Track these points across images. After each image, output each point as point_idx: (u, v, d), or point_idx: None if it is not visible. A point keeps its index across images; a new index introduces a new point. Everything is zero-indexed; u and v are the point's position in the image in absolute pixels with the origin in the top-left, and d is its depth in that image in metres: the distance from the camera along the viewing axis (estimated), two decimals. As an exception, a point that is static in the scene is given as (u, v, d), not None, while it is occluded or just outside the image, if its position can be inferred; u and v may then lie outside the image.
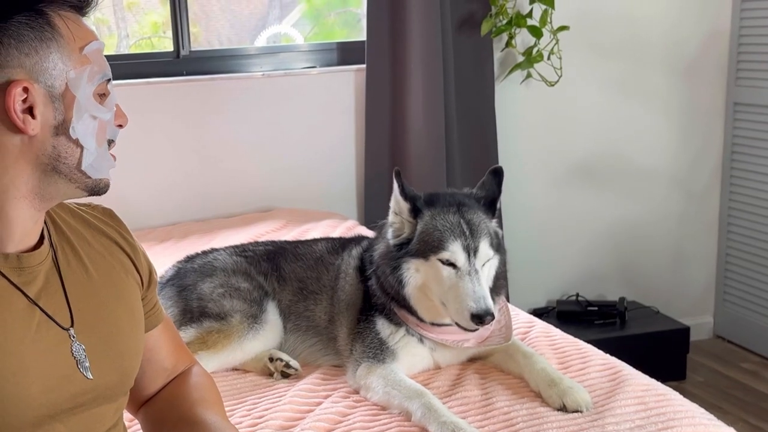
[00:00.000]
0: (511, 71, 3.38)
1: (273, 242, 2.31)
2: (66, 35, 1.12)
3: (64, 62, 1.12)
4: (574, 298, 3.64)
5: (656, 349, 3.40)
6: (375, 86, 3.26)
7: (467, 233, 1.88)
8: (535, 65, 3.33)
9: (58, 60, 1.11)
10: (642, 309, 3.63)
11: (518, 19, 3.25)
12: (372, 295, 1.99)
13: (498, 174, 2.00)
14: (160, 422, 1.35)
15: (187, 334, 1.98)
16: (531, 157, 3.58)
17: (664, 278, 3.85)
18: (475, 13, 3.30)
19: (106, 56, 1.20)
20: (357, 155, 3.38)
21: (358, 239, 2.22)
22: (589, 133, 3.63)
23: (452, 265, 1.86)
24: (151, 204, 3.16)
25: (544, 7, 3.24)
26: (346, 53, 3.42)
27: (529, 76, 3.38)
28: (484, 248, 1.88)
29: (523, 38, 3.35)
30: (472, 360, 2.02)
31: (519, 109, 3.51)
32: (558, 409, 1.75)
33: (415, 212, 1.92)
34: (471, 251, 1.86)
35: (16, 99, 1.08)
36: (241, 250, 2.23)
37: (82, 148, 1.15)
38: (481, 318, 1.80)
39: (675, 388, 1.86)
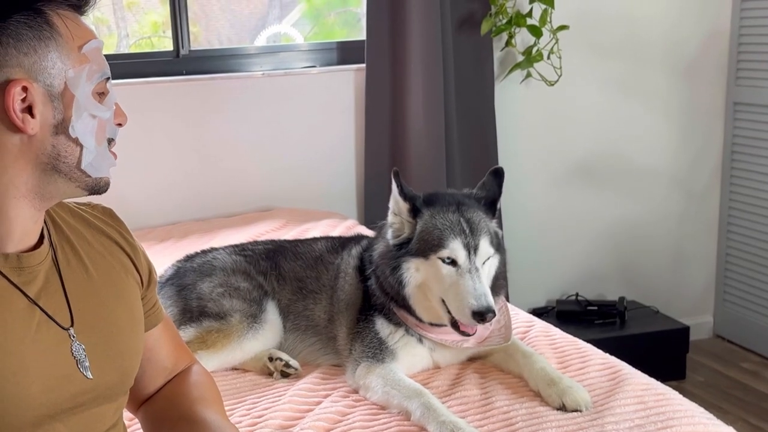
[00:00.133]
0: (510, 71, 3.38)
1: (272, 241, 2.31)
2: (65, 34, 1.12)
3: (63, 61, 1.12)
4: (573, 297, 3.64)
5: (656, 348, 3.40)
6: (375, 86, 3.26)
7: (467, 231, 1.88)
8: (535, 65, 3.33)
9: (56, 59, 1.11)
10: (642, 309, 3.63)
11: (518, 19, 3.25)
12: (371, 295, 1.99)
13: (499, 175, 2.00)
14: (159, 421, 1.35)
15: (187, 333, 1.98)
16: (531, 156, 3.58)
17: (664, 278, 3.85)
18: (474, 12, 3.30)
19: (105, 56, 1.19)
20: (357, 155, 3.38)
21: (357, 238, 2.22)
22: (589, 132, 3.63)
23: (453, 263, 1.86)
24: (151, 203, 3.16)
25: (543, 6, 3.24)
26: (345, 53, 3.42)
27: (528, 75, 3.38)
28: (485, 246, 1.89)
29: (522, 38, 3.35)
30: (472, 359, 2.02)
31: (519, 108, 3.51)
32: (557, 409, 1.75)
33: (415, 212, 1.92)
34: (471, 249, 1.86)
35: (15, 98, 1.08)
36: (240, 249, 2.23)
37: (81, 146, 1.15)
38: (482, 315, 1.80)
39: (675, 388, 1.85)
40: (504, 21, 3.25)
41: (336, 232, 2.78)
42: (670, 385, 1.86)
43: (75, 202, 1.31)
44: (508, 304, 2.11)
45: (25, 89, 1.09)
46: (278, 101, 3.26)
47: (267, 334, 2.03)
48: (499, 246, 1.94)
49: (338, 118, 3.35)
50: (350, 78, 3.35)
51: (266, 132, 3.27)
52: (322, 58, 3.41)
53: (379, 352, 1.91)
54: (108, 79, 1.18)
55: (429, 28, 3.18)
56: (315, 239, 2.30)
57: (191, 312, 2.03)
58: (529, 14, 3.27)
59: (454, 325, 1.87)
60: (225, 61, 3.33)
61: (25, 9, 1.10)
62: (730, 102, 3.72)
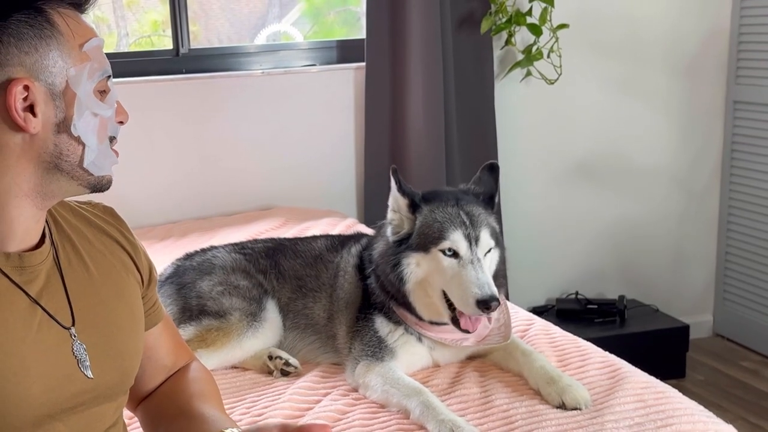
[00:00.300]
0: (510, 69, 3.38)
1: (272, 239, 2.31)
2: (65, 33, 1.12)
3: (64, 60, 1.12)
4: (573, 296, 3.64)
5: (656, 347, 3.40)
6: (375, 84, 3.26)
7: (467, 223, 1.88)
8: (535, 63, 3.33)
9: (58, 57, 1.11)
10: (642, 307, 3.63)
11: (518, 17, 3.25)
12: (371, 294, 1.99)
13: (494, 169, 2.02)
14: (158, 417, 1.35)
15: (187, 332, 1.98)
16: (531, 155, 3.58)
17: (664, 276, 3.85)
18: (474, 11, 3.30)
19: (105, 54, 1.19)
20: (357, 153, 3.38)
21: (357, 237, 2.22)
22: (589, 131, 3.63)
23: (454, 255, 1.86)
24: (151, 202, 3.16)
25: (543, 5, 3.24)
26: (345, 51, 3.42)
27: (528, 74, 3.38)
28: (485, 237, 1.89)
29: (522, 36, 3.35)
30: (471, 358, 2.01)
31: (519, 107, 3.51)
32: (557, 407, 1.75)
33: (414, 207, 1.93)
34: (472, 240, 1.87)
35: (16, 97, 1.08)
36: (240, 247, 2.23)
37: (83, 145, 1.14)
38: (486, 303, 1.80)
39: (675, 387, 1.85)
40: (504, 19, 3.25)
41: (336, 231, 2.78)
42: (669, 384, 1.86)
43: (76, 201, 1.30)
44: (508, 303, 2.11)
45: (26, 88, 1.09)
46: (278, 100, 3.26)
47: (267, 333, 2.03)
48: (498, 240, 1.94)
49: (338, 117, 3.35)
50: (350, 77, 3.35)
51: (266, 130, 3.27)
52: (321, 56, 3.41)
53: (378, 350, 1.92)
54: (109, 77, 1.18)
55: (429, 27, 3.18)
56: (315, 238, 2.30)
57: (191, 310, 2.03)
58: (529, 13, 3.27)
59: (455, 321, 1.87)
60: (225, 60, 3.33)
61: (26, 8, 1.10)
62: (730, 101, 3.72)
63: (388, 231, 1.97)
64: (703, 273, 3.91)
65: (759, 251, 3.64)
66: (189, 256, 2.24)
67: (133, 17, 3.50)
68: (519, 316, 2.24)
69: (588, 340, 2.12)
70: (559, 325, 2.22)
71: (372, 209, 3.24)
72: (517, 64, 3.35)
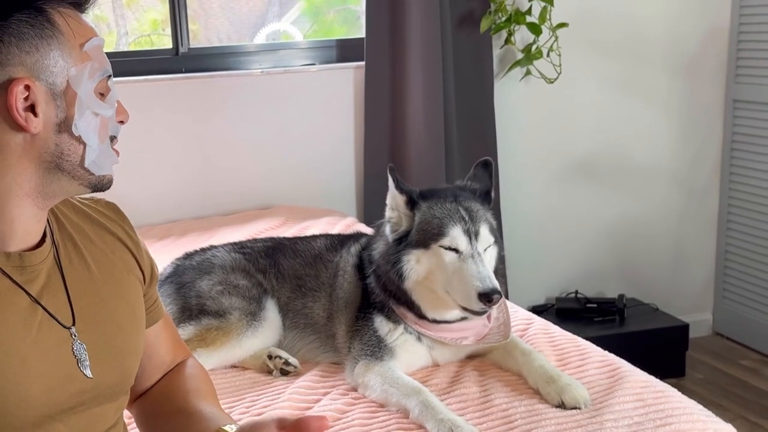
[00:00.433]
0: (510, 68, 3.38)
1: (272, 239, 2.31)
2: (66, 32, 1.12)
3: (64, 59, 1.12)
4: (573, 295, 3.64)
5: (655, 346, 3.40)
6: (374, 83, 3.26)
7: (466, 218, 1.89)
8: (535, 62, 3.33)
9: (58, 57, 1.11)
10: (641, 306, 3.63)
11: (517, 16, 3.25)
12: (370, 293, 1.99)
13: (488, 165, 2.03)
14: (154, 415, 1.35)
15: (186, 331, 1.98)
16: (530, 154, 3.58)
17: (664, 275, 3.85)
18: (474, 10, 3.30)
19: (105, 54, 1.19)
20: (356, 152, 3.38)
21: (356, 236, 2.22)
22: (589, 130, 3.63)
23: (454, 250, 1.86)
24: (151, 201, 3.16)
25: (543, 4, 3.24)
26: (345, 50, 3.42)
27: (528, 73, 3.38)
28: (485, 232, 1.89)
29: (522, 35, 3.35)
30: (471, 357, 2.02)
31: (518, 106, 3.51)
32: (556, 406, 1.75)
33: (412, 204, 1.93)
34: (472, 234, 1.87)
35: (17, 97, 1.08)
36: (239, 247, 2.23)
37: (84, 145, 1.14)
38: (488, 296, 1.80)
39: (674, 386, 1.85)
40: (503, 18, 3.25)
41: (335, 230, 2.78)
42: (669, 383, 1.86)
43: (78, 197, 1.30)
44: (507, 302, 2.11)
45: (27, 88, 1.09)
46: (277, 99, 3.26)
47: (266, 332, 2.03)
48: (496, 237, 1.95)
49: (337, 116, 3.35)
50: (349, 76, 3.34)
51: (265, 130, 3.27)
52: (321, 55, 3.41)
53: (377, 350, 1.92)
54: (110, 76, 1.18)
55: (428, 26, 3.18)
56: (314, 237, 2.30)
57: (190, 310, 2.03)
58: (529, 12, 3.27)
59: (465, 308, 1.87)
60: (224, 59, 3.32)
61: (26, 8, 1.10)
62: (730, 99, 3.72)
63: (387, 229, 1.97)
64: (703, 272, 3.91)
65: (758, 250, 3.64)
66: (188, 256, 2.24)
67: (133, 16, 3.50)
68: (518, 315, 2.25)
69: (587, 339, 2.12)
70: (558, 324, 2.23)
71: (371, 208, 3.24)
72: (517, 63, 3.35)
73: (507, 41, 3.34)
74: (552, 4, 3.23)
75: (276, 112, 3.27)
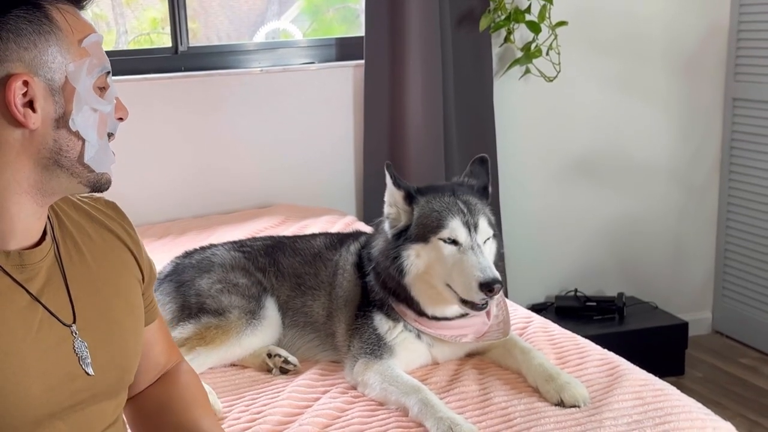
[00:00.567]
0: (509, 67, 3.38)
1: (271, 237, 2.31)
2: (64, 28, 1.12)
3: (63, 55, 1.12)
4: (572, 293, 3.64)
5: (655, 344, 3.40)
6: (374, 82, 3.26)
7: (465, 211, 1.89)
8: (534, 61, 3.33)
9: (57, 53, 1.11)
10: (641, 304, 3.63)
11: (517, 15, 3.25)
12: (370, 291, 1.99)
13: (484, 162, 2.04)
14: (154, 426, 1.37)
15: (186, 329, 1.98)
16: (530, 152, 3.58)
17: (663, 274, 3.85)
18: (473, 8, 3.30)
19: (104, 50, 1.20)
20: (356, 151, 3.38)
21: (356, 235, 2.22)
22: (588, 128, 3.63)
23: (454, 242, 1.86)
24: (150, 200, 3.16)
25: (542, 2, 3.24)
26: (344, 49, 3.42)
27: (527, 71, 3.38)
28: (484, 224, 1.90)
29: (521, 34, 3.35)
30: (470, 356, 2.02)
31: (518, 104, 3.51)
32: (555, 404, 1.75)
33: (410, 199, 1.94)
34: (471, 226, 1.87)
35: (16, 93, 1.08)
36: (239, 245, 2.23)
37: (83, 140, 1.14)
38: (489, 286, 1.80)
39: (673, 384, 1.86)
40: (503, 17, 3.25)
41: (335, 229, 2.78)
42: (668, 381, 1.86)
43: (78, 195, 1.30)
44: (507, 300, 2.11)
45: (26, 83, 1.09)
46: (277, 98, 3.26)
47: (266, 331, 2.03)
48: (495, 232, 1.95)
49: (337, 115, 3.35)
50: (349, 74, 3.34)
51: (265, 128, 3.27)
52: (320, 54, 3.41)
53: (377, 348, 1.92)
54: (108, 73, 1.19)
55: (428, 25, 3.18)
56: (313, 235, 2.30)
57: (190, 308, 2.03)
58: (528, 10, 3.27)
59: (464, 302, 1.87)
60: (223, 58, 3.32)
61: (25, 3, 1.10)
62: (729, 98, 3.72)
63: (386, 225, 1.97)
64: (702, 270, 3.92)
65: (758, 248, 3.64)
66: (188, 254, 2.24)
67: (132, 15, 3.50)
68: (518, 313, 2.25)
69: (587, 337, 2.12)
70: (558, 323, 2.23)
71: (371, 207, 3.24)
72: (516, 62, 3.35)
73: (506, 40, 3.34)
74: (551, 3, 3.23)
75: (275, 111, 3.27)
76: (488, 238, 1.91)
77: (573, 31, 3.38)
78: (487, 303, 1.88)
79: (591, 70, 3.57)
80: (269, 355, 1.99)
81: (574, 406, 1.73)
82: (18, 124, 1.10)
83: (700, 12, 3.66)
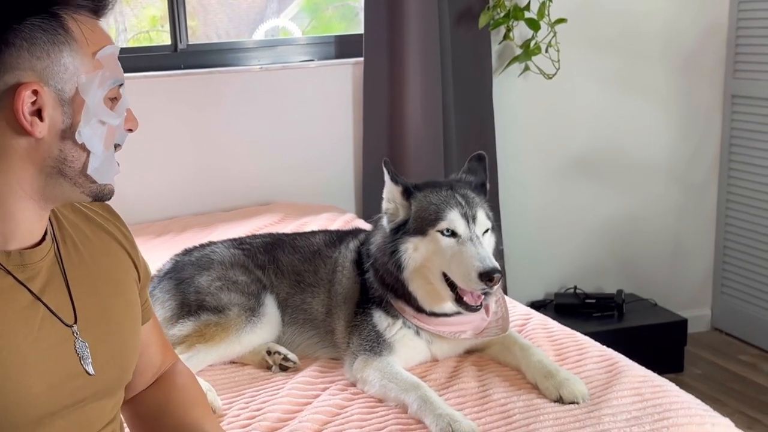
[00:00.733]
0: (509, 64, 3.38)
1: (270, 235, 2.31)
2: (79, 39, 1.11)
3: (75, 66, 1.11)
4: (572, 290, 3.64)
5: (654, 341, 3.40)
6: (373, 79, 3.26)
7: (463, 203, 1.90)
8: (533, 58, 3.33)
9: (69, 64, 1.11)
10: (640, 301, 3.63)
11: (516, 12, 3.25)
12: (369, 288, 1.99)
13: (482, 159, 2.04)
14: (155, 429, 1.37)
15: (185, 327, 1.99)
16: (529, 149, 3.58)
17: (662, 271, 3.85)
18: (472, 5, 3.29)
19: (118, 62, 1.19)
20: (355, 148, 3.38)
21: (355, 232, 2.23)
22: (587, 125, 3.63)
23: (452, 234, 1.86)
24: (149, 198, 3.16)
25: (541, -1, 3.25)
26: (343, 47, 3.42)
27: (526, 68, 3.38)
28: (482, 216, 1.90)
29: (520, 31, 3.35)
30: (469, 352, 2.02)
31: (517, 102, 3.51)
32: (554, 401, 1.75)
33: (408, 193, 1.94)
34: (470, 218, 1.88)
35: (25, 101, 1.08)
36: (238, 242, 2.24)
37: (88, 152, 1.14)
38: (489, 275, 1.80)
39: (673, 381, 1.86)
40: (502, 14, 3.25)
41: (334, 226, 2.78)
42: (667, 378, 1.86)
43: None
44: (506, 297, 2.11)
45: (35, 93, 1.08)
46: (276, 95, 3.26)
47: (265, 328, 2.03)
48: (493, 226, 1.95)
49: (336, 112, 3.35)
50: (348, 72, 3.34)
51: (264, 126, 3.27)
52: (320, 51, 3.41)
53: (376, 345, 1.92)
54: (121, 85, 1.18)
55: (427, 22, 3.18)
56: (313, 233, 2.30)
57: (189, 306, 2.04)
58: (527, 7, 3.27)
59: (459, 301, 1.87)
60: (223, 55, 3.32)
61: (41, 12, 1.09)
62: (728, 95, 3.72)
63: (384, 221, 1.98)
64: (702, 267, 3.92)
65: (757, 245, 3.64)
66: (187, 252, 2.24)
67: (132, 12, 3.50)
68: (517, 310, 2.25)
69: (586, 334, 2.12)
70: (557, 320, 2.23)
71: (370, 204, 3.24)
72: (516, 59, 3.35)
73: (505, 37, 3.34)
74: (550, 0, 3.23)
75: (275, 108, 3.27)
76: (487, 230, 1.92)
77: (572, 28, 3.37)
78: (481, 304, 1.89)
79: (590, 68, 3.57)
80: (269, 353, 2.00)
81: (573, 403, 1.74)
82: (24, 132, 1.09)
83: (699, 9, 3.66)
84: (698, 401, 1.74)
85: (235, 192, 3.26)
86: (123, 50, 3.43)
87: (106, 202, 1.35)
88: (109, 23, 3.35)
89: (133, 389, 1.38)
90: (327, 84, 3.33)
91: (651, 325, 3.45)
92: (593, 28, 3.55)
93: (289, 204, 3.20)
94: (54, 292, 1.16)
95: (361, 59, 3.27)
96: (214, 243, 2.27)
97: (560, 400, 1.75)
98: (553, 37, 3.29)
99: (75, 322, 1.17)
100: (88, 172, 1.15)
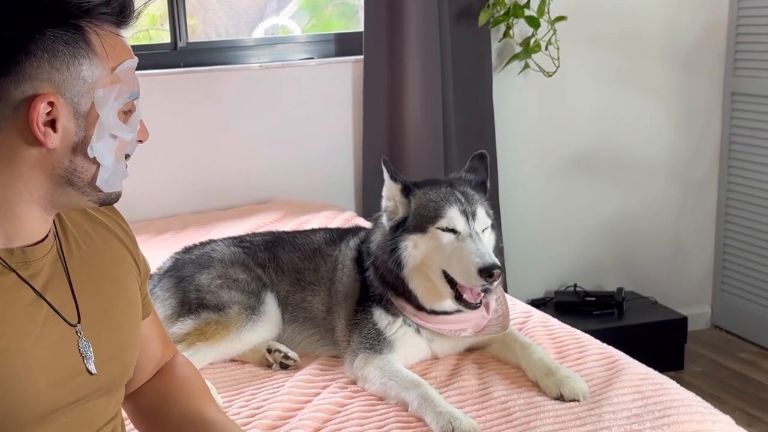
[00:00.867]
0: (508, 62, 3.38)
1: (271, 233, 2.31)
2: (100, 53, 1.11)
3: (93, 80, 1.10)
4: (572, 288, 3.64)
5: (654, 339, 3.40)
6: (372, 77, 3.26)
7: (463, 200, 1.90)
8: (533, 56, 3.33)
9: (88, 78, 1.10)
10: (640, 299, 3.63)
11: (516, 10, 3.25)
12: (369, 286, 1.99)
13: (483, 158, 2.05)
14: (157, 419, 1.37)
15: (186, 325, 1.99)
16: (529, 147, 3.58)
17: (662, 269, 3.86)
18: (472, 3, 3.29)
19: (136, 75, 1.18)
20: (355, 146, 3.38)
21: (355, 230, 2.22)
22: (587, 123, 3.63)
23: (452, 231, 1.86)
24: (150, 196, 3.16)
25: (541, -3, 3.24)
26: (343, 44, 3.42)
27: (526, 66, 3.38)
28: (482, 213, 1.90)
29: (520, 29, 3.35)
30: (470, 350, 2.02)
31: (517, 99, 3.51)
32: (555, 399, 1.75)
33: (407, 191, 1.94)
34: (469, 215, 1.88)
35: (40, 113, 1.07)
36: (238, 241, 2.23)
37: (98, 165, 1.14)
38: (489, 271, 1.79)
39: (673, 378, 1.86)
40: (502, 12, 3.25)
41: (334, 224, 2.78)
42: (668, 376, 1.86)
43: None
44: (506, 295, 2.11)
45: (51, 104, 1.08)
46: (276, 93, 3.26)
47: (265, 326, 2.03)
48: (493, 223, 1.95)
49: (336, 110, 3.35)
50: (348, 70, 3.34)
51: (264, 124, 3.27)
52: (319, 49, 3.41)
53: (377, 343, 1.92)
54: (136, 98, 1.18)
55: (427, 20, 3.18)
56: (313, 231, 2.30)
57: (190, 304, 2.04)
58: (527, 5, 3.27)
59: (458, 298, 1.87)
60: (222, 54, 3.32)
61: (64, 24, 1.08)
62: (728, 93, 3.72)
63: (384, 219, 1.98)
64: (702, 265, 3.92)
65: (757, 243, 3.64)
66: (188, 250, 2.24)
67: (131, 11, 3.49)
68: (517, 308, 2.25)
69: (587, 332, 2.12)
70: (557, 318, 2.23)
71: (370, 202, 3.24)
72: (515, 57, 3.35)
73: (505, 35, 3.34)
74: (550, -3, 3.24)
75: (274, 107, 3.27)
76: (486, 228, 1.92)
77: (572, 26, 3.37)
78: (481, 302, 1.89)
79: (590, 66, 3.57)
80: (269, 351, 2.00)
81: (574, 401, 1.74)
82: (37, 142, 1.09)
83: (698, 7, 3.66)
84: (698, 399, 1.74)
85: (235, 190, 3.26)
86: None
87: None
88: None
89: (134, 384, 1.38)
90: (327, 82, 3.33)
91: (651, 322, 3.45)
92: (593, 26, 3.54)
93: (289, 202, 3.20)
94: (56, 289, 1.17)
95: (361, 57, 3.27)
96: (215, 241, 2.27)
97: (561, 398, 1.75)
98: (553, 34, 3.29)
99: (78, 322, 1.17)
100: (97, 183, 1.15)
